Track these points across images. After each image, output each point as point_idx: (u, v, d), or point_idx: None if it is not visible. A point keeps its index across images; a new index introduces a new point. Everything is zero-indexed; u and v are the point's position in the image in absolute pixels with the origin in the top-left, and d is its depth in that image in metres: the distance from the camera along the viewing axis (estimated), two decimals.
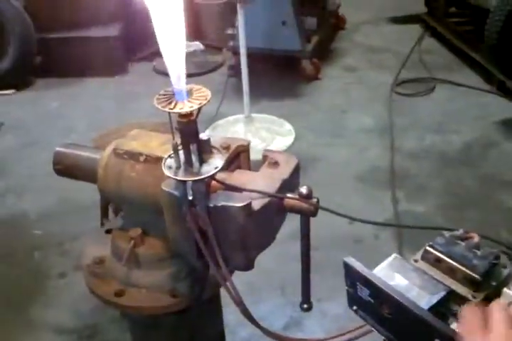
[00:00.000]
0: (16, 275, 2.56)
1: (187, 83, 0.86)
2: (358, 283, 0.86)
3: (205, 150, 0.93)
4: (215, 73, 4.41)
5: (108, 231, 1.26)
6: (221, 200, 0.95)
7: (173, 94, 0.84)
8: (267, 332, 1.04)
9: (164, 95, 0.86)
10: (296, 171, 1.08)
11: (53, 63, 4.39)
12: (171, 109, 0.84)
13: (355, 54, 4.42)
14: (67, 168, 1.22)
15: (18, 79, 4.28)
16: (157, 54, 4.48)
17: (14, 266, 2.61)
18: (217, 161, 0.93)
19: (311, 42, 3.89)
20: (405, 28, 4.76)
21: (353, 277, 0.87)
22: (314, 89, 3.96)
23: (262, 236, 1.03)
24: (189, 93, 0.85)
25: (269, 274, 2.29)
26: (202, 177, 0.90)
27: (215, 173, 0.92)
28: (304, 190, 1.01)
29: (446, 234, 0.94)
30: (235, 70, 4.19)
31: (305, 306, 1.13)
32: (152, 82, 4.20)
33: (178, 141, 0.90)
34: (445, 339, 0.75)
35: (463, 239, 0.93)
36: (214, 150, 0.95)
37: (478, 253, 0.89)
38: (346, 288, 0.90)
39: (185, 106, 0.84)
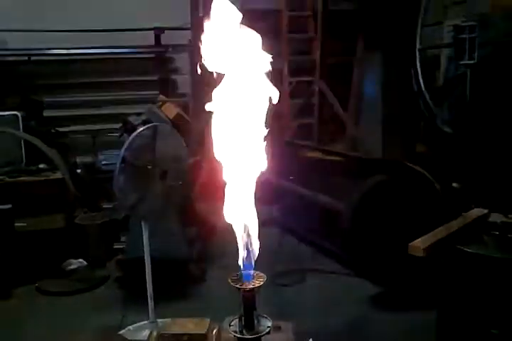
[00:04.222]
0: None
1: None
2: None
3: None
4: (102, 287, 4.61)
5: None
6: None
7: (242, 276, 1.27)
8: None
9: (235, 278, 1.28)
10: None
11: None
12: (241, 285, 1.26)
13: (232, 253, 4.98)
14: None
15: None
16: (39, 275, 4.62)
17: None
18: (265, 322, 1.33)
19: (195, 248, 4.42)
20: None
21: None
22: (201, 290, 4.35)
23: None
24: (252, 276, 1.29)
25: None
26: (263, 333, 1.28)
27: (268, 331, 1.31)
28: None
29: None
30: (123, 282, 4.49)
31: None
32: (36, 303, 4.27)
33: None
34: None
35: None
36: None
37: None
38: None
39: (251, 284, 1.27)
